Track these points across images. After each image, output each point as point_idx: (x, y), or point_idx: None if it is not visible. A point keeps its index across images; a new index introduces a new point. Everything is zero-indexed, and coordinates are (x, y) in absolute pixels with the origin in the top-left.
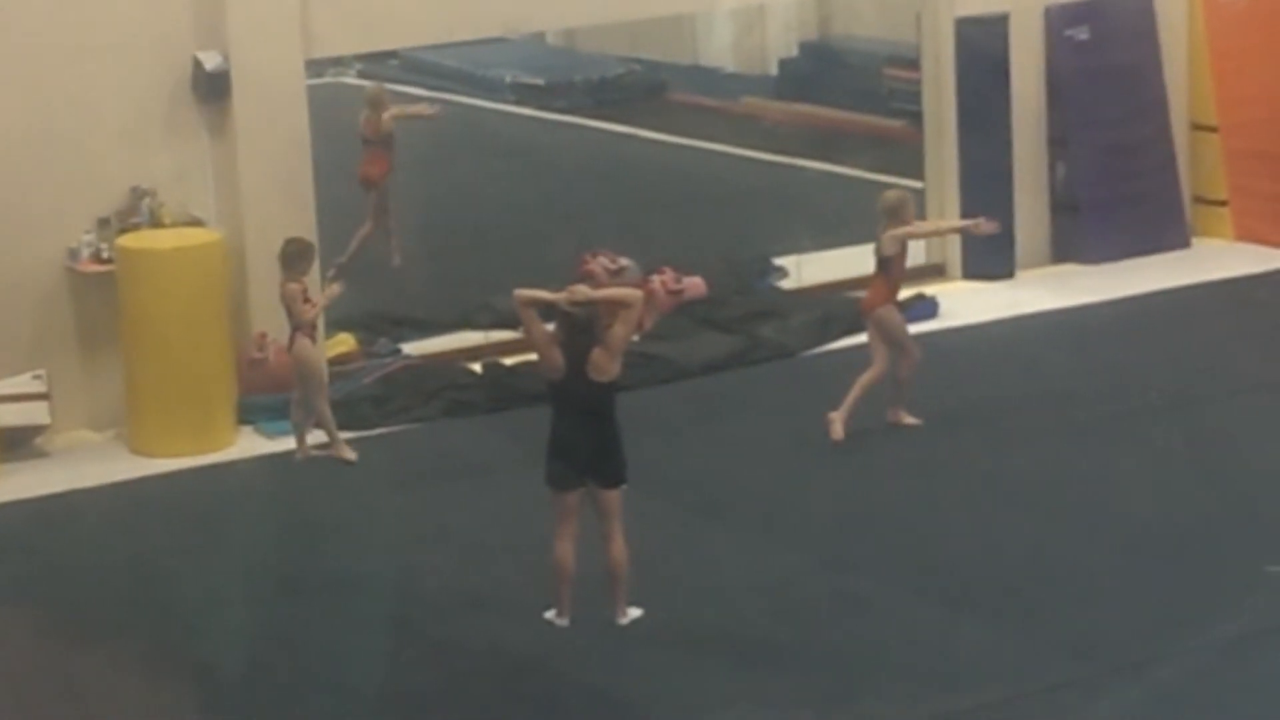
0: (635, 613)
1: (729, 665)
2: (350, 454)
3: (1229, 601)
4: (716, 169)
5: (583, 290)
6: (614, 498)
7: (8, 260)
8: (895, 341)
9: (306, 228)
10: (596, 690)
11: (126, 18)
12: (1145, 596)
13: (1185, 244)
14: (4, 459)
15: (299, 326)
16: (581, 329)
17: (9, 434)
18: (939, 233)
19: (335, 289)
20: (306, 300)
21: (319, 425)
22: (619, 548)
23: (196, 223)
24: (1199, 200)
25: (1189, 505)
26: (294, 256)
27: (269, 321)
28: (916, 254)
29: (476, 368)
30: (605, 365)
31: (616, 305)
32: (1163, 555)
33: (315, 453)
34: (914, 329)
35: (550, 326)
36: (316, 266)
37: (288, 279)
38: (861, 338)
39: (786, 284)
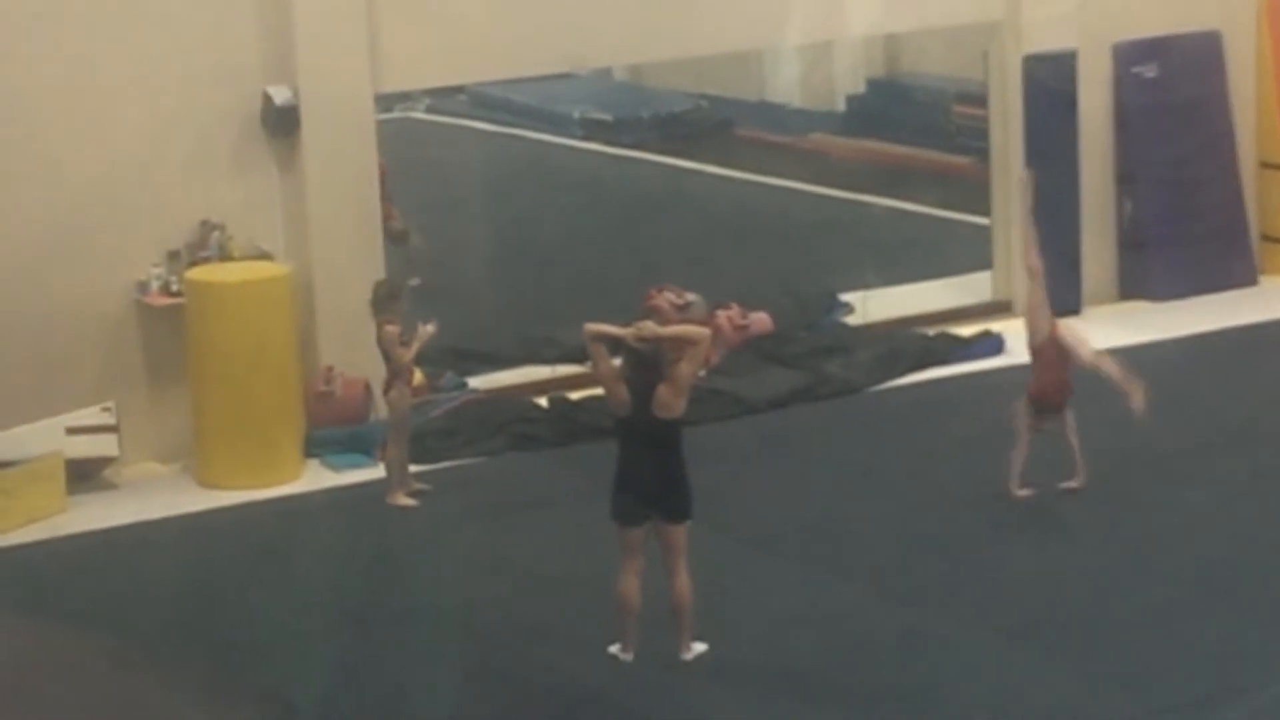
0: (700, 647)
1: (792, 700)
2: (407, 501)
3: None
4: (783, 204)
5: (650, 326)
6: (680, 533)
7: (78, 292)
8: None
9: (374, 262)
10: None
11: (197, 52)
12: (1207, 634)
13: (1253, 281)
14: (73, 490)
15: (397, 372)
16: (648, 365)
17: (78, 466)
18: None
19: (429, 330)
20: (403, 344)
21: (388, 465)
22: (684, 583)
23: (265, 256)
24: (1266, 238)
25: (1255, 543)
26: (386, 298)
27: (336, 355)
28: (983, 291)
29: (542, 402)
30: (671, 402)
31: (683, 343)
32: (1226, 593)
33: (410, 501)
34: (979, 365)
35: (617, 362)
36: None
37: (384, 320)
38: (929, 373)
39: (853, 320)
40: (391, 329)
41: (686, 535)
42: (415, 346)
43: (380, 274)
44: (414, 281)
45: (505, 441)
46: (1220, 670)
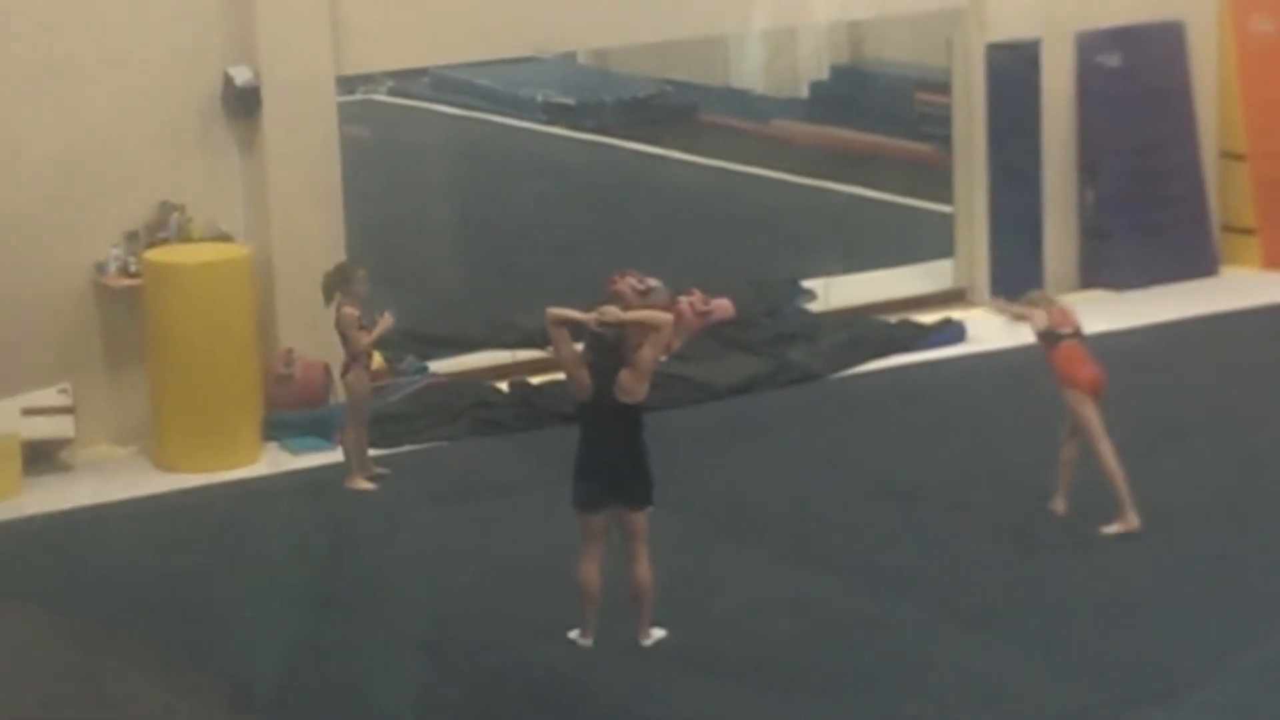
0: (659, 633)
1: (752, 686)
2: (365, 485)
3: (1259, 628)
4: (746, 191)
5: (613, 311)
6: (640, 519)
7: (35, 273)
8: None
9: (335, 244)
10: (620, 711)
11: (157, 32)
12: (1175, 622)
13: (1213, 271)
14: (29, 472)
15: (355, 356)
16: (610, 350)
17: (34, 447)
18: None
19: (388, 320)
20: (363, 327)
21: (346, 449)
22: (644, 569)
23: (225, 238)
24: (1227, 228)
25: (1221, 531)
26: (338, 281)
27: (296, 337)
28: (945, 278)
29: (503, 386)
30: (632, 387)
31: (646, 328)
32: (1192, 581)
33: (368, 485)
34: (941, 353)
35: (580, 347)
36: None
37: (342, 303)
38: (890, 360)
39: (815, 307)
40: (349, 312)
41: (647, 522)
42: (375, 333)
43: (341, 256)
44: None
45: (466, 426)
46: (1187, 659)
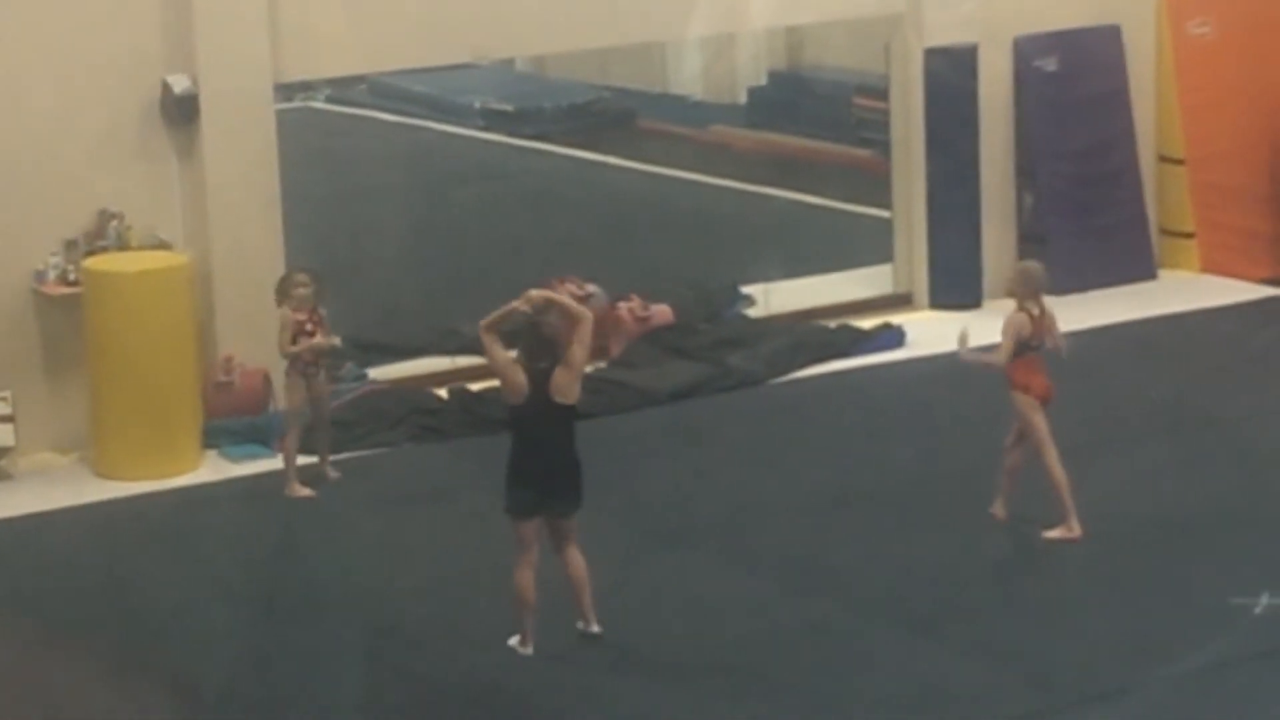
0: (596, 629)
1: (695, 691)
2: (304, 492)
3: (1194, 633)
4: (685, 196)
5: (538, 293)
6: (570, 525)
7: None
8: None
9: (274, 252)
10: (561, 717)
11: (95, 40)
12: (1111, 627)
13: (1152, 276)
14: None
15: (291, 361)
16: (544, 348)
17: None
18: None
19: (324, 341)
20: (307, 334)
21: (285, 456)
22: (576, 557)
23: (164, 246)
24: (1166, 232)
25: (1160, 535)
26: (281, 285)
27: (235, 345)
28: (884, 284)
29: (443, 393)
30: (566, 386)
31: (569, 318)
32: (1128, 586)
33: (308, 491)
34: (880, 358)
35: (513, 354)
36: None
37: (289, 308)
38: (830, 365)
39: (754, 312)
40: (285, 314)
41: (575, 525)
42: (301, 345)
43: (280, 264)
44: None
45: (405, 433)
46: (1127, 663)
